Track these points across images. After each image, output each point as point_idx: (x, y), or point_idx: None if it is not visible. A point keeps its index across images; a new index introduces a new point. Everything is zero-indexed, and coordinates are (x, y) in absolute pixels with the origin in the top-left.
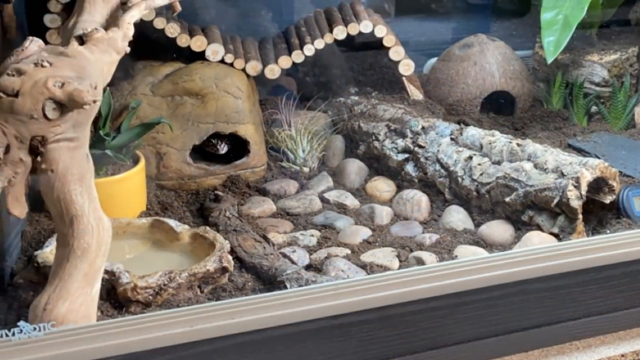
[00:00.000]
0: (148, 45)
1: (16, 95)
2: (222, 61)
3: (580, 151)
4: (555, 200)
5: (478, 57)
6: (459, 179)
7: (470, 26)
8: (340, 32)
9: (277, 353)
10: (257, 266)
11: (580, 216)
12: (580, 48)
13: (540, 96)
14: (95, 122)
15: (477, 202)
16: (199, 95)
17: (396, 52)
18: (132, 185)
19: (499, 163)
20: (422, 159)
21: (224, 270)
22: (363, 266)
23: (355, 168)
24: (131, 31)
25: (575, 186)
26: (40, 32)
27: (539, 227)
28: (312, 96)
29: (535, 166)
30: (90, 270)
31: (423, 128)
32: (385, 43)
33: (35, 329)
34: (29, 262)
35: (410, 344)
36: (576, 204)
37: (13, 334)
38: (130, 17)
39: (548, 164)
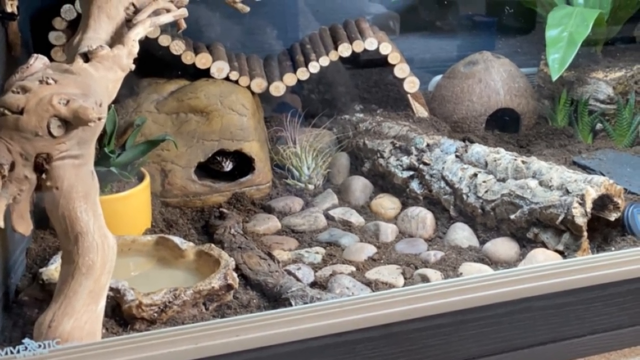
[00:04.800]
0: (153, 62)
1: (21, 112)
2: (227, 78)
3: (585, 168)
4: (560, 218)
5: (483, 75)
6: (464, 196)
7: (475, 43)
8: (345, 50)
9: None
10: (262, 283)
11: (585, 233)
12: (585, 65)
13: (545, 113)
14: (100, 140)
15: (482, 220)
16: (203, 113)
17: (401, 70)
18: (137, 202)
19: (503, 180)
20: (427, 177)
21: (228, 287)
22: (368, 283)
23: (360, 185)
24: (136, 48)
25: (580, 203)
26: (45, 49)
27: (543, 245)
28: (317, 113)
29: (540, 183)
30: (95, 287)
31: (428, 145)
32: (390, 60)
33: (40, 346)
34: (33, 279)
35: None
36: (581, 221)
37: (18, 351)
38: (135, 35)
39: (553, 181)
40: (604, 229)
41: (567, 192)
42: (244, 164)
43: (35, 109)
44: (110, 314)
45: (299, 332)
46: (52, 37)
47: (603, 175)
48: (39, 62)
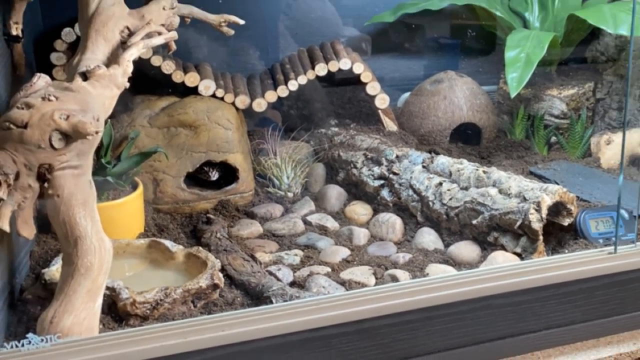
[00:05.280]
0: (146, 81)
1: (25, 126)
2: (214, 95)
3: (540, 178)
4: (518, 223)
5: (447, 92)
6: (430, 203)
7: (440, 63)
8: (321, 69)
9: None
10: (245, 283)
11: (541, 237)
12: (541, 83)
13: (504, 127)
14: (98, 151)
15: (446, 225)
16: (192, 127)
17: (372, 87)
18: (131, 209)
19: (466, 189)
20: (396, 185)
21: (215, 286)
22: (342, 283)
23: (335, 193)
24: (130, 68)
25: (536, 210)
26: (47, 68)
27: (503, 247)
28: (296, 127)
29: (500, 192)
30: (93, 286)
31: (397, 157)
32: (363, 79)
33: (42, 340)
34: (36, 279)
35: (385, 354)
36: (537, 226)
37: (22, 345)
38: (130, 55)
39: (511, 189)
40: (558, 233)
41: (525, 199)
42: (229, 174)
43: (38, 123)
44: (106, 311)
45: (279, 328)
46: (54, 57)
47: (557, 184)
48: (41, 80)
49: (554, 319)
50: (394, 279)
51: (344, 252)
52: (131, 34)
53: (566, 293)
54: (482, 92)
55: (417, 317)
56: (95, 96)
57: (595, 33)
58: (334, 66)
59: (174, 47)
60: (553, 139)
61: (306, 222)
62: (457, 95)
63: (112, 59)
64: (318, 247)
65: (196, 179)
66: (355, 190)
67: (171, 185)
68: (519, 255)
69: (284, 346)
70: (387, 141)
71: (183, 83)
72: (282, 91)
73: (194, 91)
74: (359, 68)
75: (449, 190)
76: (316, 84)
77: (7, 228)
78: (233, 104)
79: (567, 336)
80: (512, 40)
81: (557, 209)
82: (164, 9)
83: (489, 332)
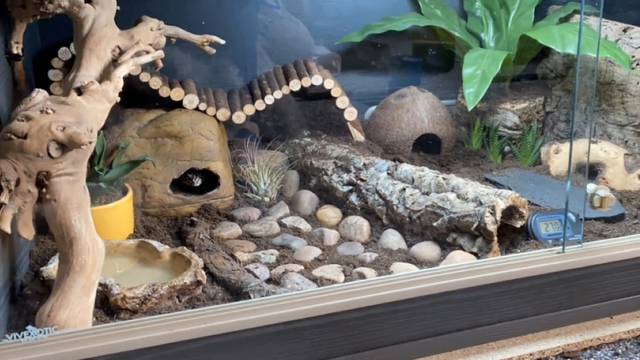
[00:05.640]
0: (135, 95)
1: (25, 137)
2: (197, 109)
3: (495, 184)
4: (475, 225)
5: (410, 106)
6: (394, 207)
7: (403, 79)
8: (295, 85)
9: (243, 352)
10: (226, 280)
11: (495, 238)
12: (495, 98)
13: (462, 138)
14: (91, 160)
15: (409, 227)
16: (177, 137)
17: (342, 101)
18: (121, 212)
19: (427, 194)
20: (363, 191)
21: (198, 283)
22: (314, 280)
23: (307, 198)
24: (121, 84)
25: (491, 213)
26: (45, 84)
27: (461, 247)
28: (272, 138)
29: (458, 196)
30: (86, 283)
31: (364, 165)
32: (333, 93)
33: (40, 332)
34: (35, 276)
35: (353, 345)
36: (492, 228)
37: (22, 337)
38: (120, 72)
39: (468, 194)
40: (511, 234)
41: (481, 203)
42: (211, 180)
43: (36, 134)
44: (99, 306)
45: (256, 321)
46: (51, 74)
47: (510, 189)
48: (40, 95)
49: (507, 313)
50: (362, 276)
51: (315, 252)
52: (122, 52)
53: (518, 289)
54: (442, 106)
55: (383, 311)
56: (89, 109)
57: (545, 52)
58: (306, 82)
59: (160, 64)
60: (506, 148)
61: (281, 225)
62: (419, 109)
63: (104, 76)
64: (292, 247)
65: (181, 184)
66: (326, 195)
67: (158, 190)
68: (475, 254)
69: (261, 337)
70: (355, 150)
71: (169, 97)
72: (260, 105)
73: (179, 105)
74: (329, 84)
75: (411, 195)
76: (290, 98)
77: (8, 230)
78: (215, 116)
79: (519, 328)
80: (469, 58)
81: (510, 212)
82: (151, 29)
83: (448, 324)
